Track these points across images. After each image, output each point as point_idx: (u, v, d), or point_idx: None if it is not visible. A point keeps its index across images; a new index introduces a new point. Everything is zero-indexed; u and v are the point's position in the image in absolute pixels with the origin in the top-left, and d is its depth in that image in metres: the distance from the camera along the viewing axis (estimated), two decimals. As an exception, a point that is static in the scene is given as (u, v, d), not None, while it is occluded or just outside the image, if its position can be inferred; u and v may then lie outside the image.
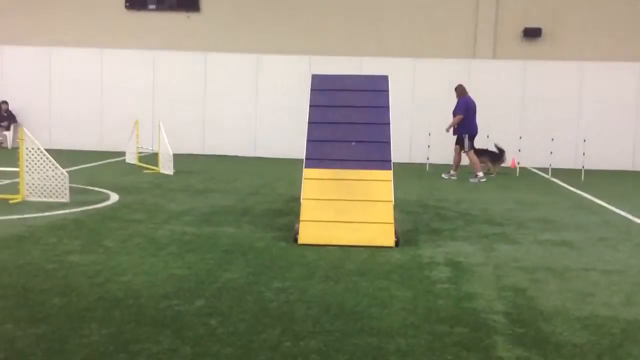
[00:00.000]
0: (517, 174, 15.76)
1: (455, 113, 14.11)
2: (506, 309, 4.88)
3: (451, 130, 14.33)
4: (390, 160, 7.97)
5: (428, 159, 16.68)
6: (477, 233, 7.98)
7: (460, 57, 18.76)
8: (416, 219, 8.92)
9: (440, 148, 17.03)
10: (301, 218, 7.26)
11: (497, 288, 5.47)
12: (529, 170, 16.89)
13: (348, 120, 8.48)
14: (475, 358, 3.87)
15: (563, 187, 13.53)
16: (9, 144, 19.20)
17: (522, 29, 18.84)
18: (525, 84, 18.41)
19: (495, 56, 19.01)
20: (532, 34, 18.74)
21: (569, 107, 18.31)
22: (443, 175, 14.37)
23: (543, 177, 15.51)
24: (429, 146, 16.48)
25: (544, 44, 18.92)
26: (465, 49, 19.09)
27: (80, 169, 13.88)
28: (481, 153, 14.88)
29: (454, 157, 14.40)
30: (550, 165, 15.63)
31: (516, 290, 5.40)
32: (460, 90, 14.39)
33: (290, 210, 9.15)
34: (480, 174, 13.95)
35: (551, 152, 15.54)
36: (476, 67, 18.51)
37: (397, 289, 5.35)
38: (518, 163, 16.60)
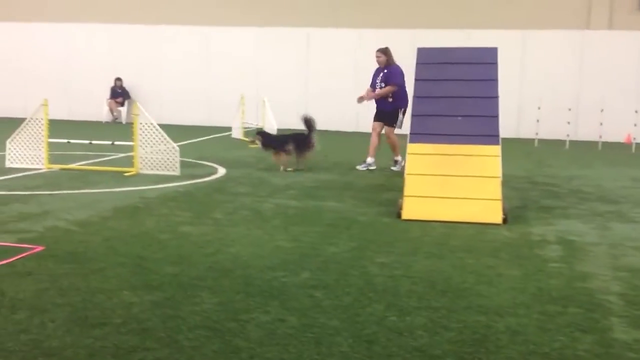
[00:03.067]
0: (633, 150, 14.95)
1: (390, 81, 10.73)
2: (622, 289, 4.65)
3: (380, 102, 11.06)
4: (499, 135, 7.74)
5: (537, 134, 16.12)
6: (591, 211, 7.63)
7: (572, 28, 17.91)
8: (525, 195, 8.64)
9: (550, 123, 16.42)
10: (405, 193, 7.18)
11: (613, 268, 5.22)
12: (646, 146, 15.99)
13: (455, 94, 8.29)
14: (590, 339, 3.71)
15: (684, 164, 12.73)
16: (124, 119, 20.08)
17: (640, -4, 17.77)
18: (643, 55, 17.36)
19: (611, 27, 18.03)
20: (651, 2, 17.65)
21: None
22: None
23: (662, 153, 14.64)
24: (538, 121, 15.90)
25: (664, 12, 17.78)
26: (578, 20, 18.21)
27: (190, 143, 14.34)
28: (284, 141, 10.66)
29: (374, 139, 10.89)
30: (670, 141, 14.71)
31: (633, 271, 5.13)
32: (390, 55, 11.01)
33: (393, 185, 9.08)
34: (399, 158, 10.82)
35: (671, 127, 14.61)
36: (590, 39, 17.63)
37: (506, 267, 5.20)
38: (634, 138, 15.77)
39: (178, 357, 3.35)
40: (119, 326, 3.74)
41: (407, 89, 10.53)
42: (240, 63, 19.61)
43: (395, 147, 10.91)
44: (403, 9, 18.89)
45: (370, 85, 11.12)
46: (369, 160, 10.89)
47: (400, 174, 7.79)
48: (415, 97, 8.27)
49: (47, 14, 20.83)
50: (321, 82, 19.15)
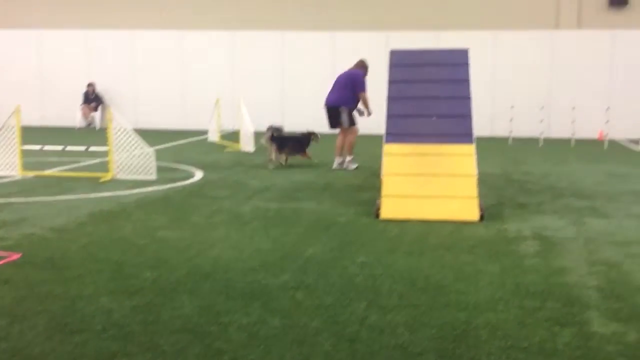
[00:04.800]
0: (605, 146, 15.17)
1: None
2: (600, 283, 4.72)
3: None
4: (472, 134, 7.82)
5: (511, 132, 16.27)
6: (566, 207, 7.74)
7: (542, 28, 18.12)
8: (500, 193, 8.73)
9: (523, 121, 16.60)
10: (383, 193, 7.22)
11: (589, 263, 5.30)
12: (618, 142, 16.23)
13: (428, 95, 8.36)
14: (569, 333, 3.76)
15: (655, 159, 12.93)
16: (98, 125, 19.89)
17: (607, -3, 18.07)
18: (613, 54, 17.57)
19: (580, 26, 18.28)
20: (618, 2, 17.92)
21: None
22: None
23: (633, 149, 14.87)
24: (511, 119, 16.07)
25: (631, 12, 18.06)
26: (548, 20, 18.43)
27: (165, 147, 14.24)
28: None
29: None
30: (641, 136, 14.94)
31: (609, 265, 5.21)
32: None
33: (370, 185, 9.11)
34: (337, 161, 11.45)
35: (642, 123, 14.83)
36: (559, 38, 17.84)
37: (484, 263, 5.25)
38: (606, 135, 16.00)
39: (160, 361, 3.34)
40: (100, 332, 3.71)
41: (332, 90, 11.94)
42: (215, 67, 19.53)
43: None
44: (375, 11, 18.95)
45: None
46: (347, 158, 11.36)
47: (378, 175, 7.82)
48: (389, 98, 8.31)
49: (17, 20, 20.58)
50: (297, 84, 19.14)
